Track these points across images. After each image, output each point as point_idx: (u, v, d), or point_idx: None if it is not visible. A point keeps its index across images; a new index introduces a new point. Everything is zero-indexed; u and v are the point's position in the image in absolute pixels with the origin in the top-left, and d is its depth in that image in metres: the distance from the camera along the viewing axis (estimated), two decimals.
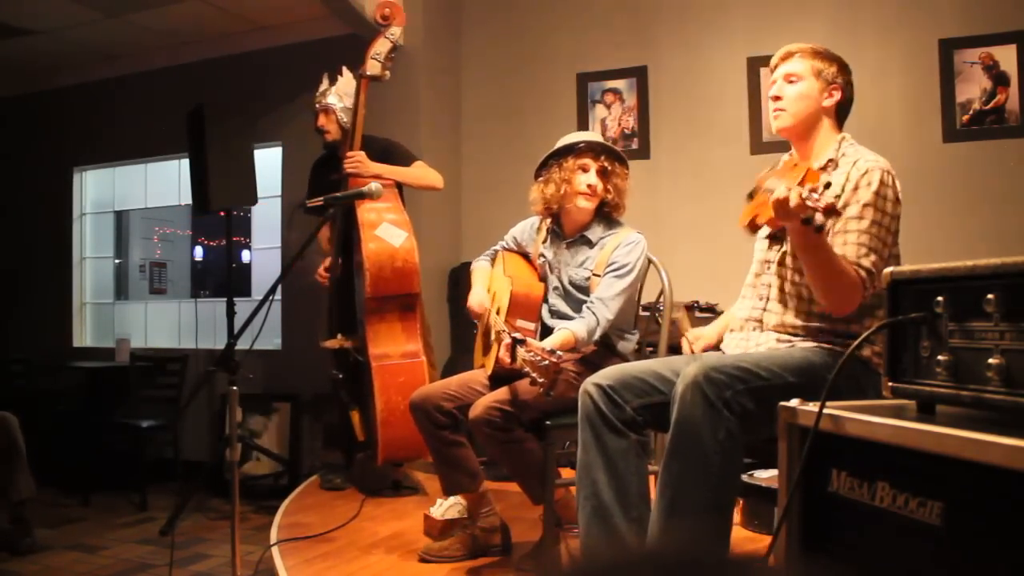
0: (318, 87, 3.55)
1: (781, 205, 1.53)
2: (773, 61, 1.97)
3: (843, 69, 1.93)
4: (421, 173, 3.42)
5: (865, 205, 1.73)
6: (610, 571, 0.44)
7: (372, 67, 3.30)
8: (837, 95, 1.91)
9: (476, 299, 2.58)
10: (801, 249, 1.71)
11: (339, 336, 3.42)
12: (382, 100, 4.26)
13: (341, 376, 3.44)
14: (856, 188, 1.75)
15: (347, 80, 3.52)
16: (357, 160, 3.29)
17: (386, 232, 3.19)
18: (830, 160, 1.85)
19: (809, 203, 1.47)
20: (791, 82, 1.91)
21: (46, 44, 4.84)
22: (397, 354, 3.19)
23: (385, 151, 3.45)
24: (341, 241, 3.44)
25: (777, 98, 1.92)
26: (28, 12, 4.38)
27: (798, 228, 1.56)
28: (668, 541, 1.44)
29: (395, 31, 3.32)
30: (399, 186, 3.40)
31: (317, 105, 3.51)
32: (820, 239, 1.60)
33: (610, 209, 2.52)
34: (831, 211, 1.47)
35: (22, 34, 4.66)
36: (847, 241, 1.73)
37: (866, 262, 1.70)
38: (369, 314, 3.19)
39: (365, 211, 3.22)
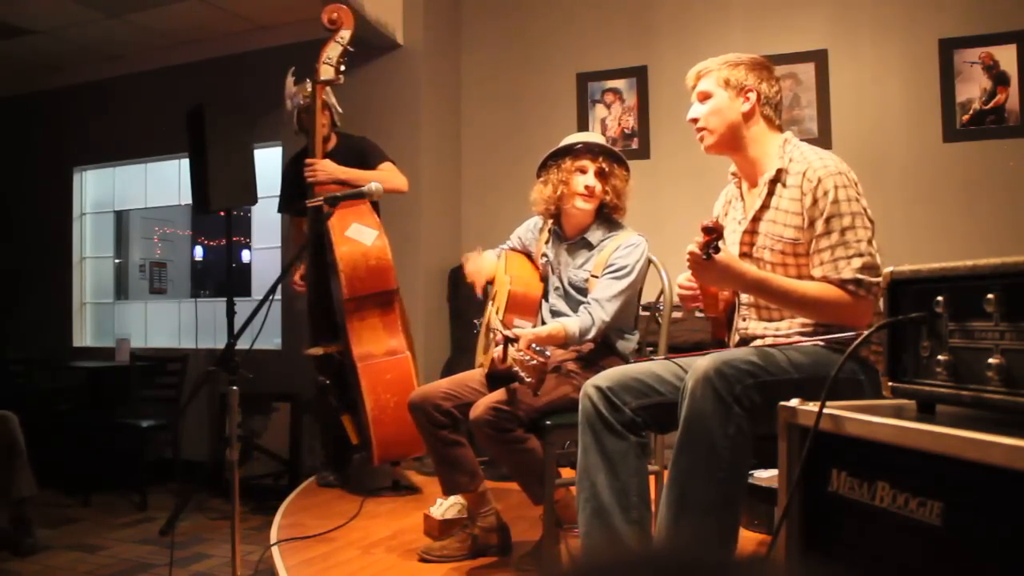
0: (290, 87, 3.56)
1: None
2: (688, 83, 1.97)
3: (754, 68, 1.89)
4: (387, 176, 3.37)
5: (828, 218, 1.71)
6: (609, 572, 0.44)
7: (325, 72, 3.32)
8: (752, 97, 1.87)
9: (475, 267, 2.57)
10: (746, 293, 1.83)
11: (320, 343, 3.41)
12: (382, 100, 4.28)
13: (328, 382, 3.44)
14: (814, 201, 1.72)
15: (289, 85, 3.57)
16: (316, 168, 3.31)
17: (356, 232, 3.19)
18: (779, 170, 1.82)
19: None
20: (704, 101, 1.91)
21: (46, 44, 4.84)
22: (381, 352, 3.18)
23: (360, 150, 3.46)
24: (313, 247, 3.43)
25: (694, 120, 1.93)
26: (28, 12, 4.38)
27: (703, 270, 1.71)
28: (669, 541, 1.44)
29: (345, 35, 3.33)
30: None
31: (301, 102, 3.51)
32: (750, 281, 1.73)
33: (609, 211, 2.51)
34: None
35: (22, 34, 4.66)
36: (823, 260, 1.72)
37: (847, 273, 1.69)
38: (349, 315, 3.19)
39: (333, 214, 3.21)
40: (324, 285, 3.43)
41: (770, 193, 1.83)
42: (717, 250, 1.64)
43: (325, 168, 3.32)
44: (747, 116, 1.87)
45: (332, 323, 3.40)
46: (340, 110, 3.57)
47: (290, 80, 3.57)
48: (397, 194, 3.44)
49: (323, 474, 3.61)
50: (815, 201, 1.72)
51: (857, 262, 1.69)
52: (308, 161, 3.34)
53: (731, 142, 1.90)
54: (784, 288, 1.74)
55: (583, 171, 2.46)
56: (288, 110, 3.59)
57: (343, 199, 2.45)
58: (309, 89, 3.43)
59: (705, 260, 1.66)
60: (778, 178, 1.82)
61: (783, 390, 1.38)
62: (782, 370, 1.65)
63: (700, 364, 1.60)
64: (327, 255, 3.29)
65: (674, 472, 1.61)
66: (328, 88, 3.41)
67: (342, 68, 3.34)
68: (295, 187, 3.42)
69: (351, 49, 3.36)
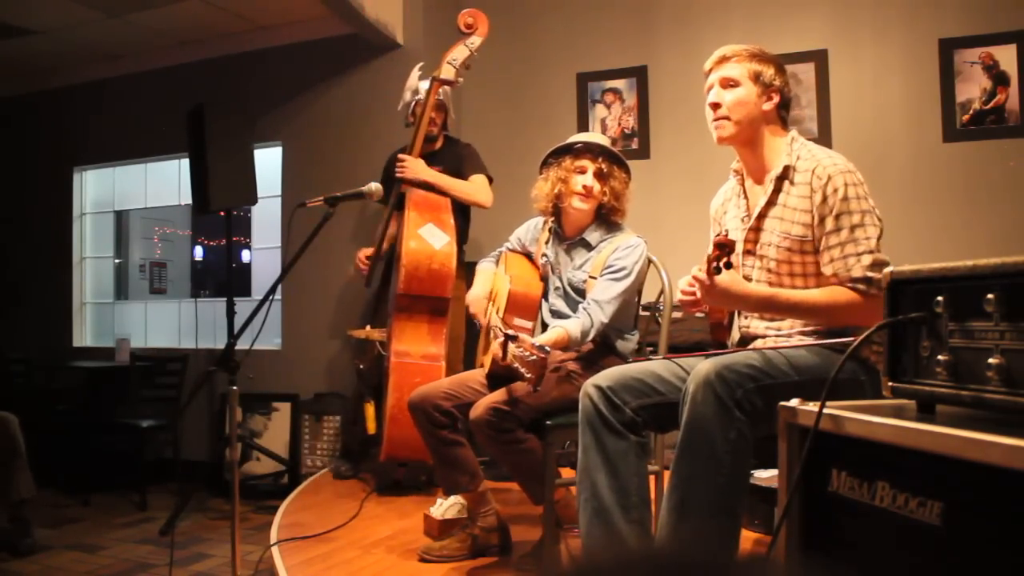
0: (413, 80, 3.62)
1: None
2: (708, 65, 1.91)
3: (780, 70, 1.88)
4: (471, 189, 3.47)
5: (839, 215, 1.71)
6: (609, 572, 0.44)
7: (446, 71, 3.35)
8: (776, 98, 1.86)
9: (473, 298, 2.61)
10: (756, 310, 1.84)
11: (368, 327, 3.47)
12: (382, 100, 4.28)
13: (362, 367, 3.48)
14: (824, 199, 1.72)
15: (413, 78, 3.64)
16: (406, 165, 3.36)
17: (429, 233, 3.22)
18: (786, 167, 1.81)
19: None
20: (728, 88, 1.86)
21: (46, 44, 4.84)
22: (418, 354, 3.20)
23: (460, 157, 3.55)
24: (397, 235, 3.49)
25: (716, 105, 1.86)
26: (28, 12, 4.38)
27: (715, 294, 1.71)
28: (670, 541, 1.44)
29: (475, 40, 3.36)
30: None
31: (420, 98, 3.54)
32: (756, 300, 1.74)
33: (607, 212, 2.51)
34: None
35: (22, 34, 4.66)
36: (832, 257, 1.72)
37: (857, 271, 1.69)
38: (398, 311, 3.22)
39: (412, 209, 3.26)
40: (388, 274, 3.52)
41: (776, 190, 1.82)
42: (729, 265, 1.63)
43: (414, 167, 3.37)
44: (766, 115, 1.86)
45: (384, 311, 3.48)
46: (454, 116, 3.65)
47: (415, 74, 3.63)
48: (477, 206, 3.53)
49: (338, 464, 3.66)
50: (825, 198, 1.72)
51: (867, 259, 1.69)
52: (400, 156, 3.40)
53: (747, 137, 1.87)
54: (792, 301, 1.74)
55: (582, 171, 2.46)
56: (406, 101, 3.64)
57: (342, 199, 2.45)
58: (426, 86, 3.47)
59: (709, 284, 1.65)
60: (785, 175, 1.81)
61: (784, 393, 1.38)
62: (783, 373, 1.65)
63: (701, 368, 1.59)
64: (396, 246, 3.35)
65: (675, 477, 1.60)
66: (448, 91, 3.47)
67: (464, 72, 3.38)
68: (389, 181, 3.46)
69: (476, 55, 3.39)
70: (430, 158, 3.48)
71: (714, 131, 1.88)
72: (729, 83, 1.86)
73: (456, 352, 3.53)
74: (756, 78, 1.85)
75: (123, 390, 4.55)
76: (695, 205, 4.03)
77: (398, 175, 3.36)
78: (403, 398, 3.06)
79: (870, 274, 1.68)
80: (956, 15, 3.64)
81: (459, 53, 3.36)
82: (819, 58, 3.85)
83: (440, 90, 3.41)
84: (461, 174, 3.49)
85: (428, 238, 3.21)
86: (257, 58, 4.69)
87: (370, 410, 3.44)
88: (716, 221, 2.08)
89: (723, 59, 1.88)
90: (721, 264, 1.63)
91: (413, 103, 3.61)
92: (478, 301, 2.60)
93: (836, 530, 1.18)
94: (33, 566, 3.06)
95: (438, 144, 3.60)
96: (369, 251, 3.60)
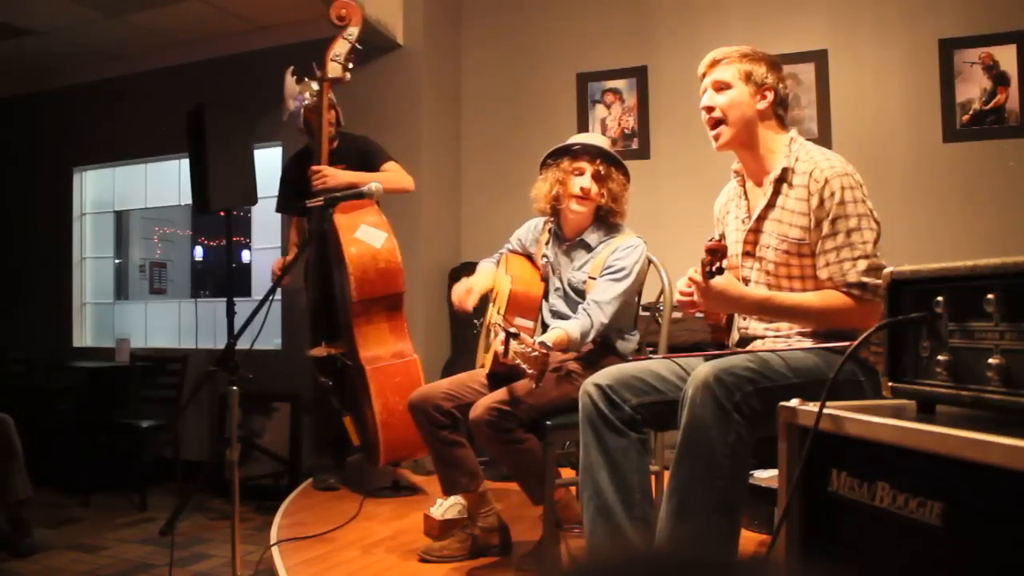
0: (291, 87, 3.52)
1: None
2: (700, 70, 1.92)
3: (773, 67, 1.88)
4: (394, 177, 3.37)
5: (834, 219, 1.71)
6: (611, 571, 0.44)
7: (333, 70, 3.28)
8: (770, 96, 1.86)
9: (459, 287, 2.54)
10: (750, 313, 1.85)
11: (323, 344, 3.40)
12: (382, 100, 4.28)
13: (330, 383, 3.43)
14: (821, 202, 1.72)
15: (290, 84, 3.53)
16: (324, 176, 3.26)
17: (365, 234, 3.17)
18: (785, 169, 1.81)
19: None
20: (720, 90, 1.87)
21: (46, 44, 4.84)
22: (388, 355, 3.17)
23: (363, 151, 3.45)
24: (317, 247, 3.41)
25: (710, 108, 1.88)
26: (28, 12, 4.38)
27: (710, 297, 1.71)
28: (672, 542, 1.44)
29: (352, 31, 3.28)
30: None
31: (308, 101, 3.46)
32: (751, 303, 1.75)
33: (605, 214, 2.51)
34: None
35: (22, 34, 4.66)
36: (828, 262, 1.72)
37: (852, 276, 1.69)
38: (356, 317, 3.17)
39: (342, 215, 3.19)
40: (327, 285, 3.41)
41: (776, 192, 1.82)
42: (721, 271, 1.64)
43: (335, 175, 3.27)
44: (762, 114, 1.86)
45: (333, 323, 3.39)
46: (342, 116, 3.56)
47: (290, 80, 3.53)
48: (404, 193, 3.43)
49: (322, 477, 3.60)
50: (821, 202, 1.72)
51: (862, 264, 1.69)
52: (315, 169, 3.29)
53: (745, 139, 1.87)
54: (787, 305, 1.74)
55: (580, 173, 2.46)
56: (291, 110, 3.54)
57: (343, 199, 2.46)
58: (316, 87, 3.40)
59: (705, 287, 1.66)
60: (784, 177, 1.81)
61: (783, 396, 1.38)
62: (781, 375, 1.65)
63: (699, 372, 1.59)
64: (333, 256, 3.26)
65: (674, 481, 1.60)
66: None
67: (350, 66, 3.30)
68: (296, 186, 3.40)
69: (359, 47, 3.32)
70: (332, 157, 3.39)
71: (712, 140, 1.89)
72: (721, 86, 1.87)
73: None
74: (747, 78, 1.85)
75: (123, 390, 4.56)
76: (695, 205, 4.03)
77: (318, 187, 3.23)
78: (389, 401, 3.06)
79: (865, 279, 1.68)
80: (956, 15, 3.64)
81: (340, 48, 3.28)
82: (819, 58, 3.85)
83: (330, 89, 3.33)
84: (370, 166, 3.39)
85: (367, 239, 3.16)
86: (257, 58, 4.69)
87: (349, 423, 3.39)
88: (720, 221, 2.08)
89: (714, 62, 1.90)
90: (713, 269, 1.63)
91: (300, 109, 3.49)
92: (472, 286, 2.53)
93: (836, 530, 1.18)
94: (33, 566, 3.06)
95: (335, 143, 3.49)
96: (283, 260, 3.49)
